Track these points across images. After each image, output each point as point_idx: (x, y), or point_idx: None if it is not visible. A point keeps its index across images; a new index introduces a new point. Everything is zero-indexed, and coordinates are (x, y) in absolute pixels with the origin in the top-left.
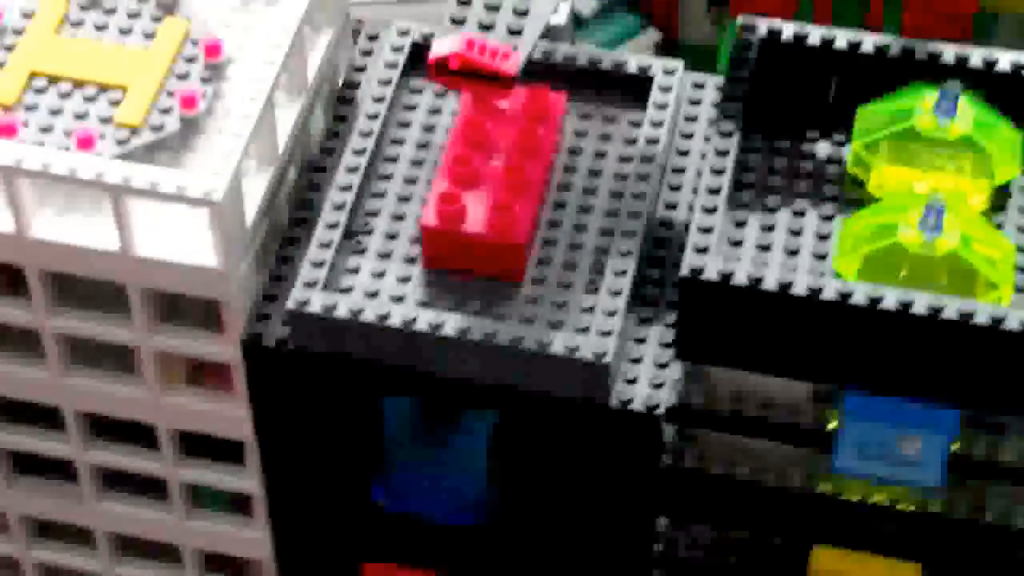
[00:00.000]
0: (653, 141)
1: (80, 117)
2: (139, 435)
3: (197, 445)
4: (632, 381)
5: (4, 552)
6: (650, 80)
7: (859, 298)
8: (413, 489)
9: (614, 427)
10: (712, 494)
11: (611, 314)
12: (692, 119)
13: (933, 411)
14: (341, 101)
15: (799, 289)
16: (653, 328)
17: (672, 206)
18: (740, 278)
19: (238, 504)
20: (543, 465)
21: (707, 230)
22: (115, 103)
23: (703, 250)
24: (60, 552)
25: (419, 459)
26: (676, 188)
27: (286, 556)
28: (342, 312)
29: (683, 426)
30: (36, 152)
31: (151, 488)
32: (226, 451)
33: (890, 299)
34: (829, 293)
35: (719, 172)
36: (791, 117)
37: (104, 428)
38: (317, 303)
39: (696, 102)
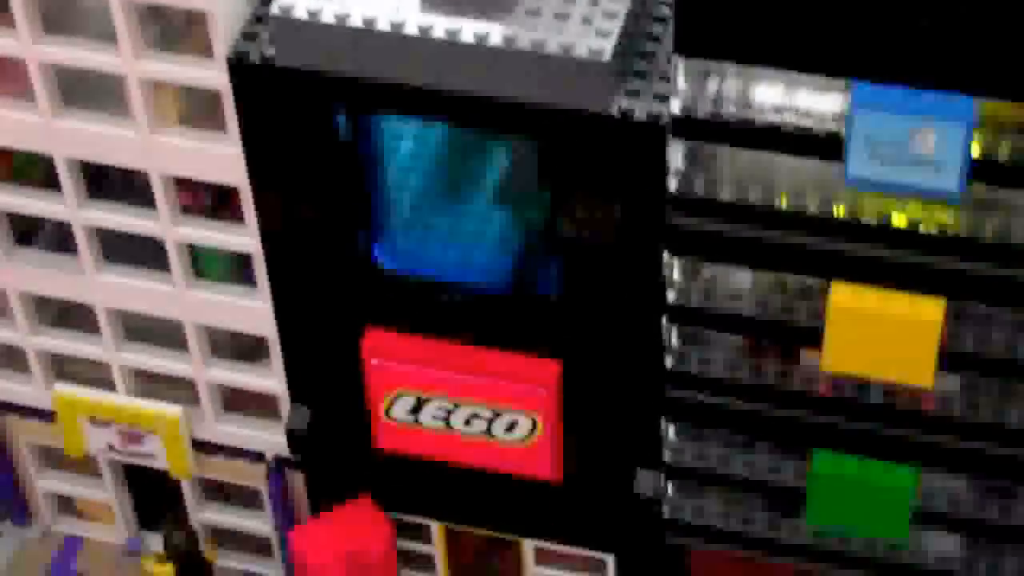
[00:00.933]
0: None
1: None
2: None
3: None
4: (635, 93)
5: (6, 339)
6: None
7: None
8: (418, 248)
9: (616, 142)
10: (724, 223)
11: (611, 16)
12: None
13: (948, 99)
14: None
15: None
16: (661, 45)
17: None
18: None
19: (240, 278)
20: (554, 208)
21: None
22: None
23: None
24: (63, 339)
25: (424, 217)
26: None
27: (288, 327)
28: (328, 17)
29: (689, 138)
30: None
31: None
32: None
33: None
34: None
35: None
36: None
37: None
38: (303, 8)
39: None
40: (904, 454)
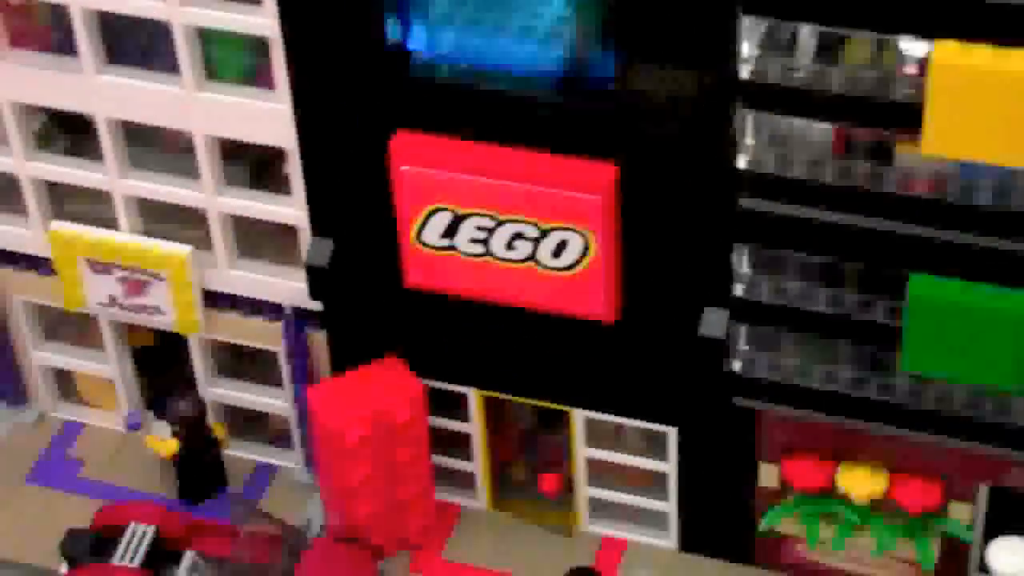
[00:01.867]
0: None
1: None
2: None
3: None
4: None
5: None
6: None
7: None
8: (455, 35)
9: None
10: None
11: None
12: None
13: None
14: None
15: None
16: None
17: None
18: None
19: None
20: None
21: None
22: None
23: None
24: (61, 165)
25: None
26: None
27: (309, 134)
28: None
29: None
30: None
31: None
32: None
33: None
34: None
35: None
36: None
37: None
38: None
39: None
40: (1019, 276)
